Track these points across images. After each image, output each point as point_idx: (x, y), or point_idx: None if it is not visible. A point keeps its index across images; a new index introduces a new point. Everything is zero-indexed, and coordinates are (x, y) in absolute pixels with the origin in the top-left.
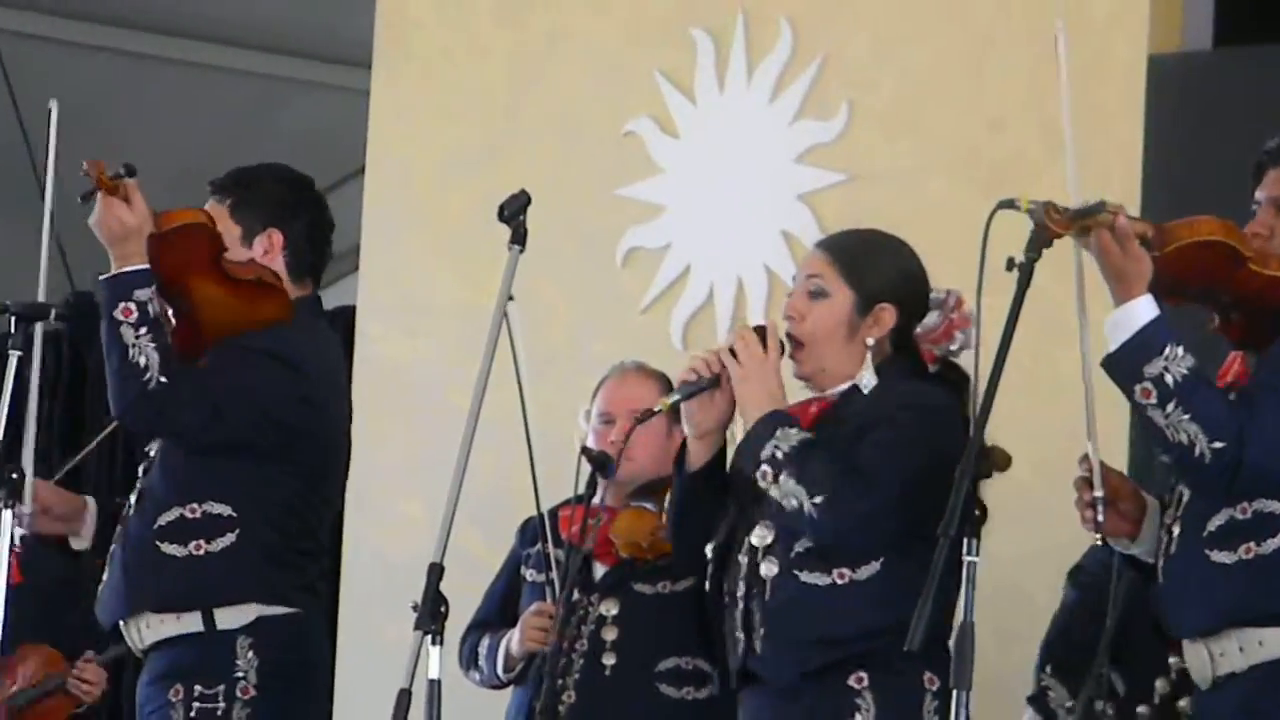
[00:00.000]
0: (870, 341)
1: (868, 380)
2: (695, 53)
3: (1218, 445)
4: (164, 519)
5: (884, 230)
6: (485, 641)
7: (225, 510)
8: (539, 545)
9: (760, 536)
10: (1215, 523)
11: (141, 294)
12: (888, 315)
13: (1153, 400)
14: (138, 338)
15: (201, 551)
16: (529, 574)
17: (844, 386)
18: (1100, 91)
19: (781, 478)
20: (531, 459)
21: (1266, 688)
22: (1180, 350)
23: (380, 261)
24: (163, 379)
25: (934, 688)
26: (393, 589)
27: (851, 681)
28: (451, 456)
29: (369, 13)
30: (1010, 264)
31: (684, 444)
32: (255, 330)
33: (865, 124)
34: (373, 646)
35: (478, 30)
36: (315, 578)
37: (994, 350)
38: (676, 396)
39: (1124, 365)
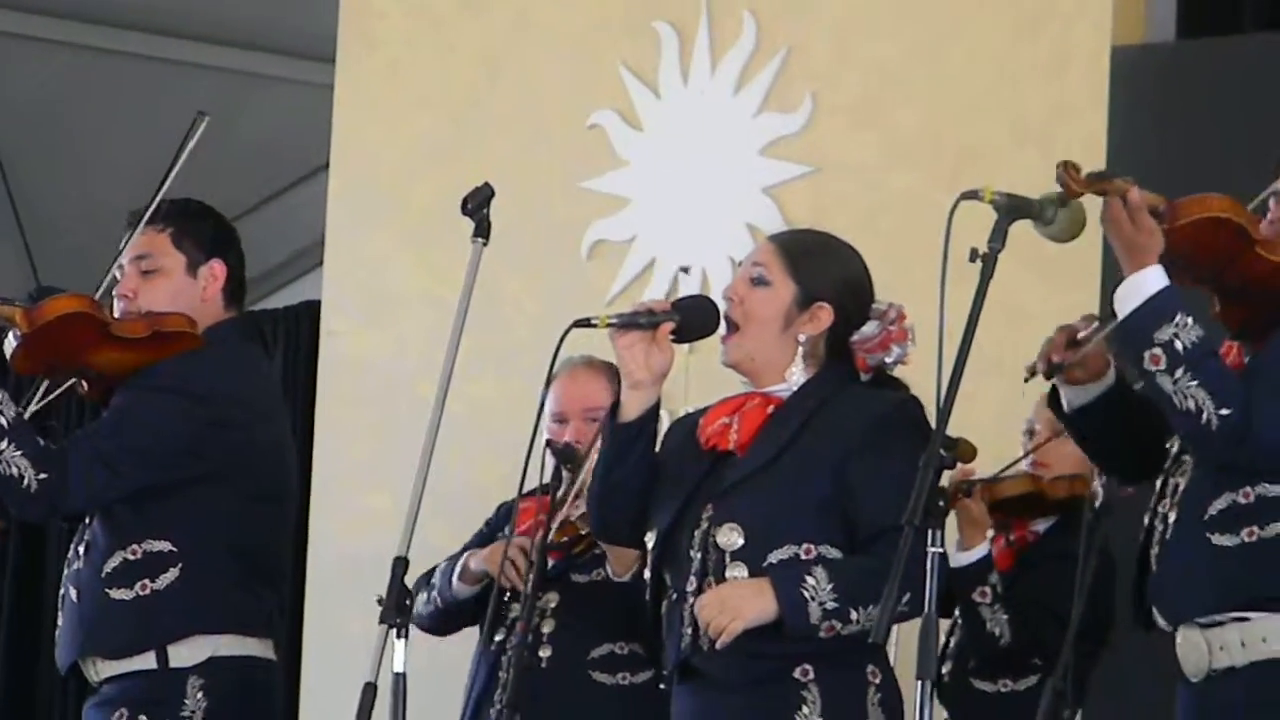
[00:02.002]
0: (802, 338)
1: (797, 377)
2: (659, 45)
3: (1225, 412)
4: (109, 565)
5: (838, 236)
6: (444, 564)
7: (165, 546)
8: (506, 530)
9: (728, 539)
10: (1217, 506)
11: None
12: (824, 315)
13: (1161, 366)
14: (0, 453)
15: (148, 591)
16: None
17: (783, 385)
18: (1065, 83)
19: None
20: (532, 443)
21: (1273, 684)
22: (1190, 320)
23: (345, 255)
24: (41, 475)
25: (877, 680)
26: (358, 582)
27: (797, 674)
28: (417, 449)
29: (333, 7)
30: (974, 255)
31: (617, 400)
32: (160, 363)
33: (829, 116)
34: (338, 640)
35: (441, 23)
36: (272, 606)
37: (958, 340)
38: (614, 320)
39: (1134, 332)
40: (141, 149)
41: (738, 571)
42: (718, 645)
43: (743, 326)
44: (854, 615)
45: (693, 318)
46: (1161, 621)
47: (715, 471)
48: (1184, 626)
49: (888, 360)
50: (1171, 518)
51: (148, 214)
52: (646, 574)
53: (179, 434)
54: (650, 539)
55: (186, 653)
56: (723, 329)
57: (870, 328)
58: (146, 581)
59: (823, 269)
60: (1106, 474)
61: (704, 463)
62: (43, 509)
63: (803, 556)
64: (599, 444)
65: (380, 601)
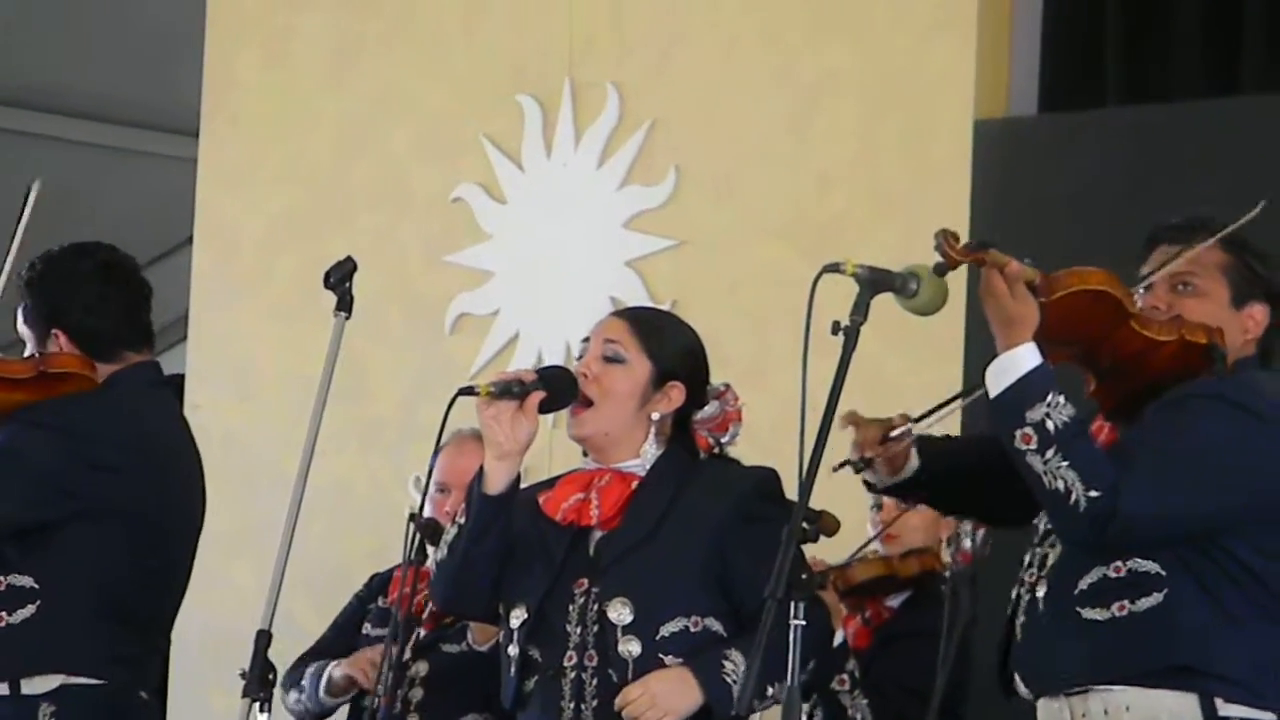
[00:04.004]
0: (655, 416)
1: (651, 454)
2: (523, 118)
3: (1093, 494)
4: None
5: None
6: (313, 666)
7: (27, 582)
8: (380, 600)
9: (619, 614)
10: (1087, 580)
11: None
12: (677, 394)
13: (1032, 445)
14: None
15: (2, 624)
16: (367, 627)
17: (636, 462)
18: (927, 155)
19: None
20: (421, 509)
21: None
22: (1062, 399)
23: (209, 329)
24: None
25: None
26: (221, 656)
27: None
28: (280, 523)
29: (196, 81)
30: (836, 328)
31: (480, 469)
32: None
33: (693, 188)
34: (201, 714)
35: (305, 97)
36: (138, 651)
37: (821, 412)
38: (494, 388)
39: (1006, 410)
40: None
41: (631, 647)
42: None
43: (598, 403)
44: (769, 691)
45: (557, 388)
46: (1023, 690)
47: (579, 546)
48: (1046, 696)
49: (724, 440)
50: (1040, 591)
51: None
52: (512, 650)
53: (54, 472)
54: (517, 616)
55: (38, 682)
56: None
57: (711, 408)
58: (3, 614)
59: (674, 344)
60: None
61: (563, 538)
62: None
63: (691, 629)
64: (459, 516)
65: (243, 675)
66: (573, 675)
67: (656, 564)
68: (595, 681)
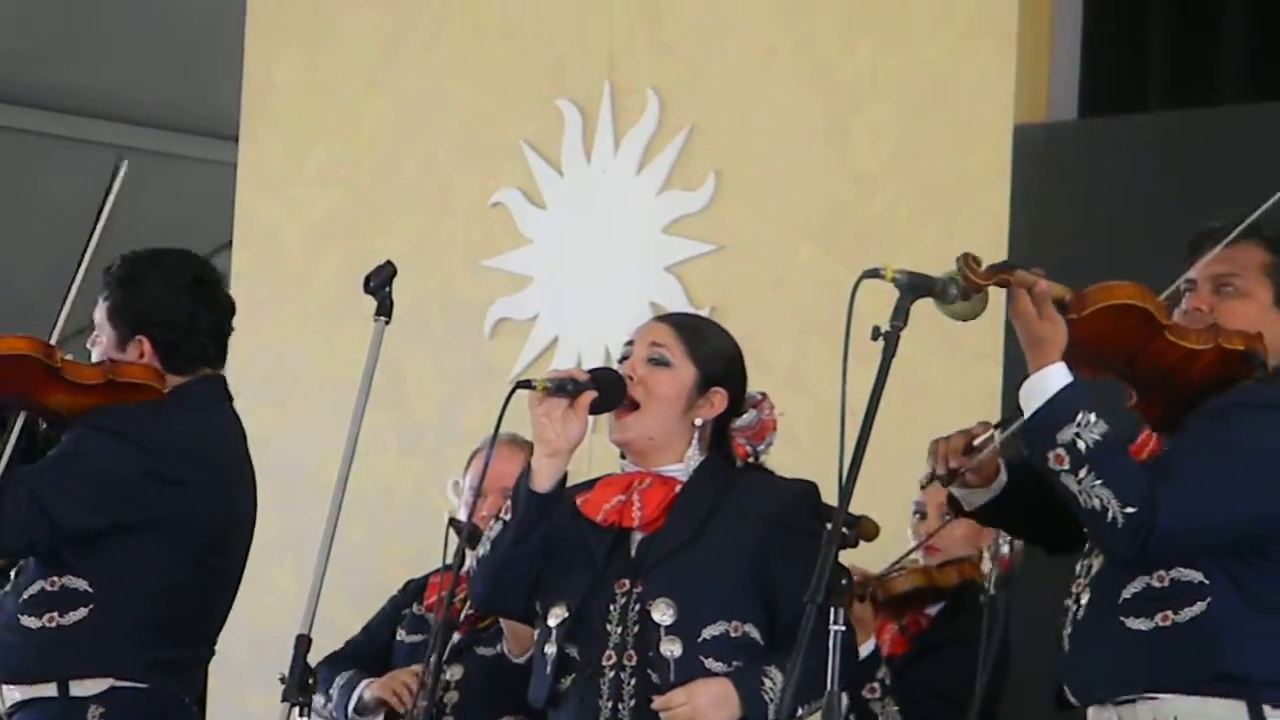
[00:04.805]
0: (699, 422)
1: (695, 459)
2: (563, 123)
3: (1129, 510)
4: (29, 591)
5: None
6: (345, 675)
7: (82, 585)
8: (414, 606)
9: (662, 615)
10: (1131, 590)
11: None
12: (719, 400)
13: (1065, 466)
14: None
15: (54, 625)
16: (401, 634)
17: (678, 467)
18: (967, 160)
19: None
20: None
21: None
22: (1093, 417)
23: (248, 334)
24: None
25: None
26: (261, 660)
27: None
28: (320, 527)
29: (236, 85)
30: (876, 333)
31: (527, 467)
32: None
33: (732, 193)
34: (240, 718)
35: (344, 101)
36: (184, 658)
37: (860, 418)
38: (550, 384)
39: (1038, 432)
40: (40, 227)
41: (673, 647)
42: None
43: (644, 405)
44: (800, 711)
45: (608, 390)
46: (1073, 700)
47: (620, 547)
48: (1094, 705)
49: (760, 448)
50: (1084, 599)
51: (79, 272)
52: (549, 649)
53: (117, 480)
54: (556, 615)
55: (87, 685)
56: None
57: (749, 416)
58: (55, 614)
59: (717, 353)
60: (1031, 545)
61: (605, 538)
62: None
63: (732, 634)
64: (504, 513)
65: (283, 679)
66: (611, 675)
67: (700, 567)
68: (634, 681)
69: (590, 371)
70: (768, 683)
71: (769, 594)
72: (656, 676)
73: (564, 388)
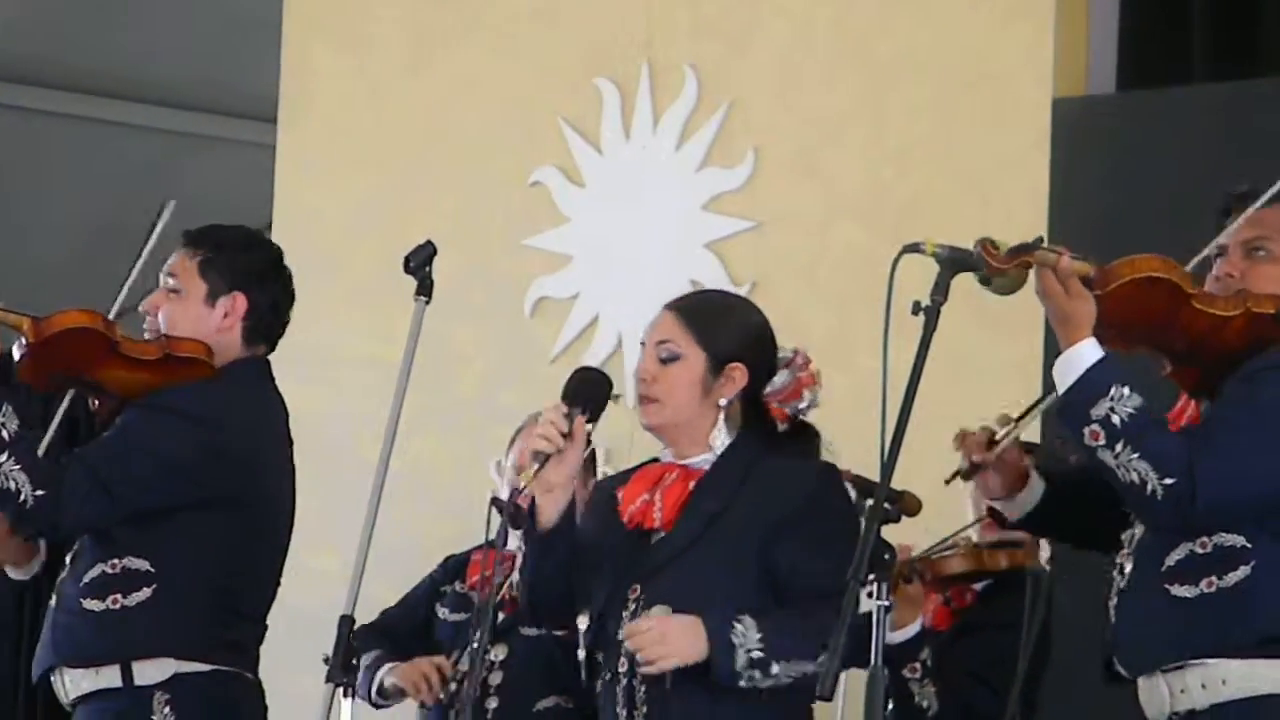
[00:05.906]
0: (723, 402)
1: (721, 441)
2: (601, 102)
3: (1168, 482)
4: (89, 575)
5: (731, 291)
6: (371, 655)
7: (143, 565)
8: (456, 584)
9: None
10: (1174, 557)
11: None
12: (739, 375)
13: (1101, 441)
14: (0, 465)
15: (118, 606)
16: (444, 611)
17: (705, 455)
18: (1007, 134)
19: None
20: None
21: None
22: (1126, 390)
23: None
24: (39, 492)
25: None
26: (303, 641)
27: None
28: (361, 507)
29: (274, 67)
30: (916, 308)
31: (533, 502)
32: (170, 385)
33: (771, 170)
34: (284, 699)
35: (383, 82)
36: (245, 636)
37: (902, 393)
38: (537, 466)
39: (1072, 409)
40: (81, 209)
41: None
42: (648, 672)
43: (662, 401)
44: (773, 669)
45: (591, 398)
46: (1123, 671)
47: (639, 549)
48: (1143, 674)
49: (801, 406)
50: (1128, 567)
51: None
52: (581, 654)
53: (178, 458)
54: (583, 620)
55: (150, 670)
56: (634, 398)
57: (781, 378)
58: (118, 596)
59: (728, 330)
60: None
61: (628, 541)
62: (39, 528)
63: None
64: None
65: (326, 660)
66: (624, 682)
67: (699, 569)
68: (644, 688)
69: (566, 397)
70: (739, 627)
71: (777, 584)
72: (659, 683)
73: (550, 454)
